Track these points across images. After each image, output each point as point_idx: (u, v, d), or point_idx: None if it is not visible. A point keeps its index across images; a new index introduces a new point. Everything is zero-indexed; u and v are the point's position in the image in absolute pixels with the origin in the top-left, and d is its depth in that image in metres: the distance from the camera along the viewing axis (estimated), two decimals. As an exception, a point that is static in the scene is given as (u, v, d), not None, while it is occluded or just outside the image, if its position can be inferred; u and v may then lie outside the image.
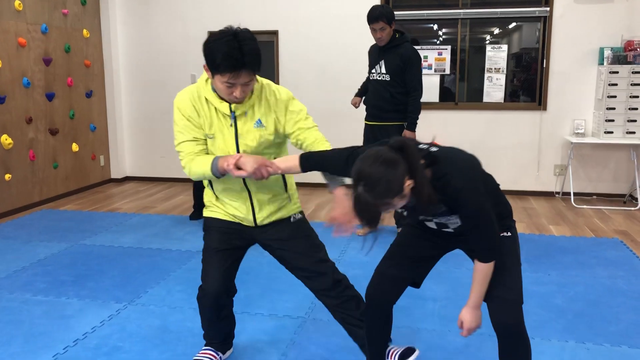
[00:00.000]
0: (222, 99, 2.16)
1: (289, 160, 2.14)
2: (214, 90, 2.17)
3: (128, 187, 6.84)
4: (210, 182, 2.37)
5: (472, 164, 1.90)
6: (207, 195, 2.45)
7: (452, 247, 2.19)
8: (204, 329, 2.56)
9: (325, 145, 2.26)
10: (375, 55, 4.50)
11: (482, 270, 1.92)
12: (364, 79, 4.81)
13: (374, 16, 4.25)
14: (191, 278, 3.71)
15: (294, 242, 2.40)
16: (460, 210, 1.85)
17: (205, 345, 2.60)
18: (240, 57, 1.98)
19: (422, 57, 4.46)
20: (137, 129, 7.17)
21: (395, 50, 4.36)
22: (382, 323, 2.28)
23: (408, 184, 1.68)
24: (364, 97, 4.75)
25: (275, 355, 2.71)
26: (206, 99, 2.19)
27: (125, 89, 7.11)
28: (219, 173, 2.17)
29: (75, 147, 6.37)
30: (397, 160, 1.67)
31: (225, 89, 2.06)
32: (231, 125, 2.19)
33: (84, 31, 6.48)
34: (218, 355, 2.59)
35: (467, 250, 2.15)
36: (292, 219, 2.44)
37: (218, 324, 2.53)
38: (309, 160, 2.11)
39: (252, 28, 5.73)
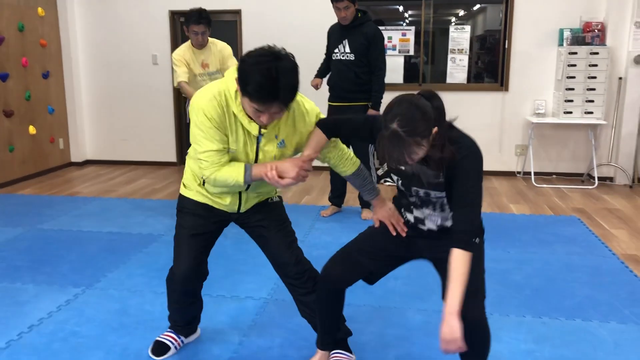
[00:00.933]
0: (250, 117, 2.01)
1: (315, 140, 2.14)
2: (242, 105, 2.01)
3: (88, 171, 6.69)
4: (204, 181, 2.22)
5: (480, 150, 1.95)
6: (189, 178, 2.31)
7: (419, 254, 2.15)
8: (170, 310, 2.52)
9: (350, 159, 2.33)
10: (338, 34, 4.46)
11: (460, 261, 1.78)
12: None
13: None
14: (151, 261, 3.66)
15: (269, 221, 2.35)
16: (458, 177, 1.84)
17: (169, 328, 2.57)
18: (274, 91, 1.84)
19: (385, 37, 4.45)
20: (97, 111, 7.00)
21: (359, 29, 4.34)
22: (335, 300, 2.28)
23: (435, 130, 1.77)
24: (324, 78, 4.71)
25: (236, 336, 2.69)
26: (234, 114, 2.03)
27: (84, 70, 6.91)
28: (251, 182, 2.11)
29: (32, 129, 6.18)
30: (429, 107, 1.79)
31: (253, 112, 1.93)
32: (254, 143, 2.10)
33: (39, 9, 6.25)
34: (179, 338, 2.56)
35: (433, 258, 2.11)
36: (269, 200, 2.39)
37: (185, 308, 2.50)
38: (329, 127, 2.15)
39: (214, 7, 5.63)
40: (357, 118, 2.24)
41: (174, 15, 6.63)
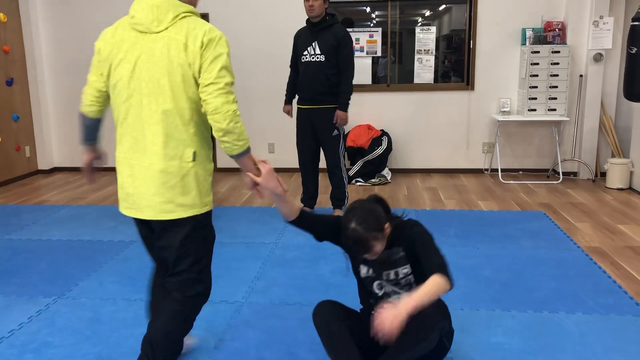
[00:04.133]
0: None
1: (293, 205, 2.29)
2: None
3: (56, 179, 6.58)
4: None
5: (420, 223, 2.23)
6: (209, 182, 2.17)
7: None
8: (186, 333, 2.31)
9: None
10: (307, 37, 4.48)
11: (435, 280, 1.94)
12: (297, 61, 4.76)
13: None
14: (124, 269, 3.63)
15: None
16: (414, 244, 2.11)
17: None
18: None
19: (353, 39, 4.50)
20: (64, 118, 6.89)
21: (328, 31, 4.38)
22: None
23: (387, 225, 2.10)
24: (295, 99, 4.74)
25: (211, 340, 2.70)
26: None
27: (49, 76, 6.80)
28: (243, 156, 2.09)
29: (-4, 138, 6.06)
30: (379, 208, 2.14)
31: None
32: None
33: (1, 15, 6.13)
34: None
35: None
36: None
37: None
38: (306, 217, 2.31)
39: None
40: (328, 217, 2.36)
41: (141, 19, 6.56)
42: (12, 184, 6.31)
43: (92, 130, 2.23)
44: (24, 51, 6.57)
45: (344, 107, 4.42)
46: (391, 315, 1.83)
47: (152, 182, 2.04)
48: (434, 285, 1.93)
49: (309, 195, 4.78)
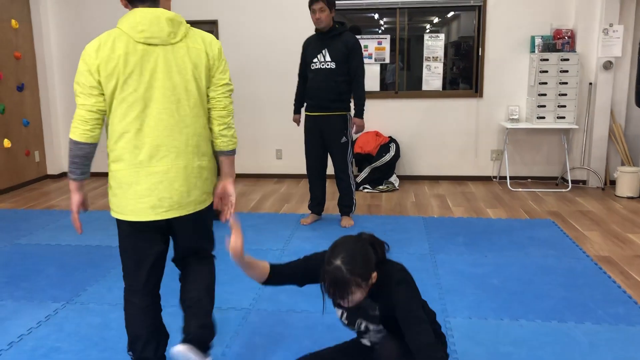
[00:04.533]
0: None
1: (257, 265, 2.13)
2: None
3: (65, 183, 6.62)
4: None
5: (407, 273, 2.02)
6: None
7: None
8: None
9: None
10: (316, 45, 4.48)
11: None
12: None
13: None
14: (132, 274, 3.64)
15: None
16: (395, 308, 1.90)
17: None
18: None
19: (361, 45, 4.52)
20: (73, 123, 6.93)
21: (338, 39, 4.39)
22: None
23: (374, 275, 1.88)
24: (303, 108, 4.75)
25: (219, 347, 2.70)
26: None
27: (59, 81, 6.86)
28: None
29: (7, 143, 6.10)
30: (371, 252, 1.92)
31: None
32: None
33: (13, 21, 6.20)
34: None
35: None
36: None
37: None
38: (278, 271, 2.12)
39: (191, 18, 5.63)
40: (297, 262, 2.15)
41: (150, 26, 6.61)
42: (21, 188, 6.35)
43: (89, 159, 2.14)
44: (35, 57, 6.63)
45: (361, 114, 4.44)
46: None
47: (193, 179, 2.19)
48: None
49: (317, 201, 4.78)
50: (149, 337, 2.30)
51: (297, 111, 4.77)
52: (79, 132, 2.05)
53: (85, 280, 3.55)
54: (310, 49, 4.53)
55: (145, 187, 2.12)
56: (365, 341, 2.17)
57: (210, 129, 2.25)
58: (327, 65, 4.41)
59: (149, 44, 2.07)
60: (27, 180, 6.50)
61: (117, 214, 2.22)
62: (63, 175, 7.00)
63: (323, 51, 4.42)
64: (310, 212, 4.85)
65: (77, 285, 3.48)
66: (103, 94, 2.06)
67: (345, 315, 2.09)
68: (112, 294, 3.34)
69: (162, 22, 2.08)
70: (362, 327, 2.06)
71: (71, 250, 4.15)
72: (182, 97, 2.11)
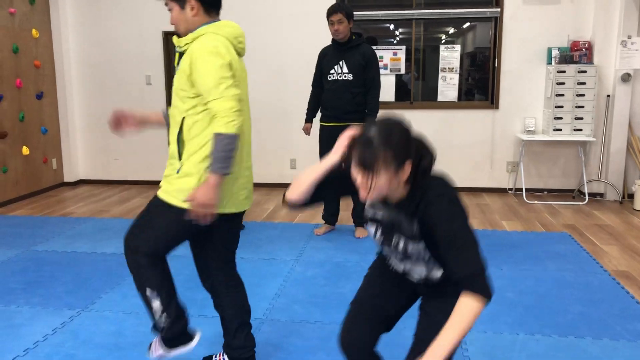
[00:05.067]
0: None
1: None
2: None
3: (82, 191, 6.69)
4: None
5: (451, 189, 1.70)
6: None
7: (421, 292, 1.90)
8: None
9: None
10: (333, 55, 4.48)
11: (463, 306, 1.53)
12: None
13: (334, 8, 4.32)
14: (147, 282, 3.66)
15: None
16: (434, 229, 1.62)
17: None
18: None
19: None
20: (90, 131, 7.02)
21: (356, 50, 4.40)
22: None
23: (408, 164, 1.60)
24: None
25: (232, 357, 2.70)
26: None
27: (77, 90, 6.95)
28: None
29: (25, 150, 6.19)
30: (413, 138, 1.64)
31: None
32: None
33: (33, 31, 6.30)
34: None
35: (421, 307, 1.88)
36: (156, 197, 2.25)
37: None
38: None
39: None
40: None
41: (168, 35, 6.69)
42: (38, 195, 6.42)
43: None
44: (54, 66, 6.72)
45: None
46: None
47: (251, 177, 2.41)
48: (465, 317, 1.51)
49: (331, 212, 4.77)
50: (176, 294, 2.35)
51: (308, 120, 4.76)
52: (238, 124, 2.03)
53: (100, 288, 3.57)
54: (327, 59, 4.54)
55: (243, 181, 2.30)
56: (398, 266, 1.86)
57: None
58: (345, 76, 4.41)
59: (239, 55, 2.26)
60: (44, 188, 6.57)
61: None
62: (79, 182, 7.07)
63: (340, 62, 4.43)
64: (324, 222, 4.84)
65: (92, 292, 3.50)
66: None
67: (379, 233, 1.81)
68: (126, 301, 3.36)
69: (244, 36, 2.30)
70: (400, 245, 1.76)
71: (86, 257, 4.18)
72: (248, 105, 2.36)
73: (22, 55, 6.14)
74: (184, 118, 2.17)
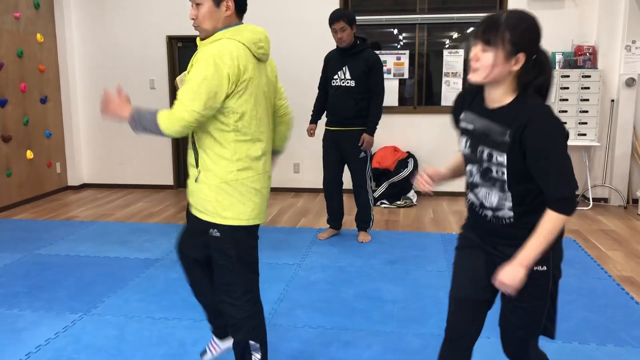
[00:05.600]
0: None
1: None
2: None
3: (85, 195, 6.70)
4: None
5: (557, 120, 1.68)
6: None
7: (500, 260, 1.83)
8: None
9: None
10: (337, 61, 4.48)
11: (549, 220, 1.65)
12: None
13: (335, 16, 4.29)
14: (149, 286, 3.66)
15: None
16: (528, 147, 1.64)
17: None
18: None
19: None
20: (94, 135, 7.03)
21: (359, 56, 4.38)
22: None
23: (522, 56, 1.65)
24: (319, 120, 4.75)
25: (234, 362, 2.69)
26: None
27: (81, 94, 6.97)
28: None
29: (29, 154, 6.21)
30: (539, 36, 1.70)
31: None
32: None
33: (38, 35, 6.32)
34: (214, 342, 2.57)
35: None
36: (209, 230, 2.19)
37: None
38: None
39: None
40: None
41: (172, 40, 6.70)
42: (42, 199, 6.44)
43: None
44: (59, 70, 6.75)
45: (371, 132, 4.41)
46: (508, 280, 1.68)
47: None
48: (549, 229, 1.64)
49: (334, 216, 4.77)
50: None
51: (313, 121, 4.74)
52: (173, 132, 2.05)
53: (103, 292, 3.57)
54: (331, 64, 4.54)
55: (267, 191, 2.27)
56: (474, 198, 1.89)
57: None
58: (347, 83, 4.41)
59: (258, 60, 2.16)
60: (48, 192, 6.59)
61: (234, 221, 2.15)
62: (83, 186, 7.08)
63: (344, 68, 4.42)
64: (328, 227, 4.83)
65: (95, 296, 3.50)
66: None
67: (469, 144, 1.85)
68: (128, 305, 3.35)
69: (267, 40, 2.21)
70: (485, 155, 1.76)
71: (90, 261, 4.19)
72: (269, 113, 2.29)
73: (26, 59, 6.16)
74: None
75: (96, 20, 6.79)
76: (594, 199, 5.97)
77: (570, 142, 5.83)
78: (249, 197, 2.15)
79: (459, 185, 6.48)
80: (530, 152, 1.64)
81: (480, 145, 1.78)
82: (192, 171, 2.19)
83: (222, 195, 2.10)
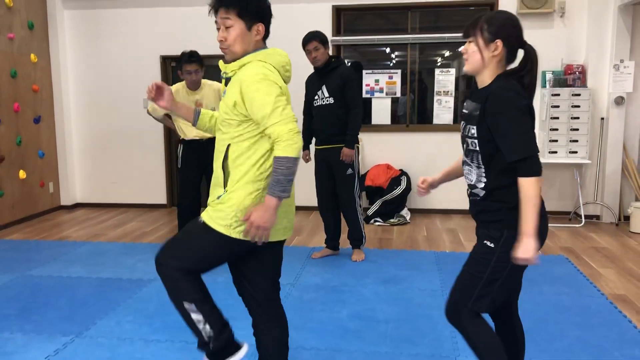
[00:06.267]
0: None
1: None
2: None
3: (78, 214, 6.68)
4: None
5: (513, 95, 1.95)
6: None
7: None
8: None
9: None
10: (316, 82, 4.55)
11: (522, 187, 1.88)
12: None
13: (307, 38, 4.40)
14: (142, 308, 3.63)
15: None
16: (487, 117, 1.94)
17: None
18: None
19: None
20: (87, 155, 7.03)
21: (334, 72, 4.45)
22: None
23: (499, 42, 1.99)
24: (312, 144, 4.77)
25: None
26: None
27: (75, 114, 6.98)
28: None
29: (22, 174, 6.19)
30: (519, 28, 2.05)
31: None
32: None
33: (32, 56, 6.35)
34: None
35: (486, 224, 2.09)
36: (199, 219, 2.20)
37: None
38: None
39: (204, 52, 5.67)
40: None
41: (165, 60, 6.74)
42: (35, 219, 6.41)
43: None
44: (52, 90, 6.76)
45: (350, 144, 4.43)
46: (522, 253, 1.88)
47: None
48: (527, 194, 1.86)
49: (330, 235, 4.77)
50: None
51: (305, 147, 4.78)
52: (298, 146, 2.00)
53: (95, 314, 3.54)
54: (311, 86, 4.61)
55: (291, 209, 2.26)
56: (466, 174, 2.16)
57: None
58: (326, 100, 4.46)
59: (286, 83, 2.22)
60: (40, 211, 6.56)
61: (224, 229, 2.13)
62: (76, 206, 7.06)
63: (322, 87, 4.48)
64: (325, 246, 4.82)
65: (87, 318, 3.47)
66: None
67: (462, 124, 2.14)
68: (121, 327, 3.33)
69: (291, 65, 2.26)
70: (467, 131, 2.07)
71: (82, 282, 4.16)
72: None
73: (20, 79, 6.18)
74: (229, 145, 2.13)
75: (90, 40, 6.83)
76: (586, 216, 6.00)
77: (561, 160, 5.92)
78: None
79: (451, 202, 6.52)
80: (488, 120, 1.93)
81: (465, 124, 2.08)
82: (217, 190, 2.19)
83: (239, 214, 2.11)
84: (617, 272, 4.32)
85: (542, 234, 1.99)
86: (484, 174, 2.04)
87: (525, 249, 1.88)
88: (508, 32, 1.99)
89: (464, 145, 2.12)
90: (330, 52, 5.90)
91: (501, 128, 1.90)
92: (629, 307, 3.61)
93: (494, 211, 2.01)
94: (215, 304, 2.28)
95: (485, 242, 2.03)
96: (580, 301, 3.70)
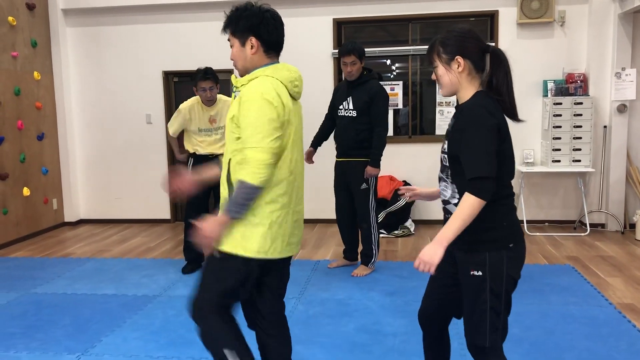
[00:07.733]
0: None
1: None
2: None
3: (82, 231, 6.67)
4: None
5: (484, 113, 1.95)
6: None
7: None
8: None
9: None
10: (344, 91, 4.53)
11: (463, 201, 1.88)
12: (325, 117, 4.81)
13: (347, 49, 4.33)
14: (147, 324, 3.62)
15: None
16: (456, 133, 1.95)
17: None
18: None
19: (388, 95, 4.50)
20: (91, 171, 7.04)
21: (363, 87, 4.42)
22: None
23: (460, 59, 1.99)
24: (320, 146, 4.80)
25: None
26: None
27: (78, 131, 7.00)
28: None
29: (26, 191, 6.19)
30: (477, 42, 2.04)
31: None
32: None
33: (35, 73, 6.38)
34: None
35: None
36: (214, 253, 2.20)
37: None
38: None
39: (219, 67, 5.64)
40: None
41: (168, 75, 6.77)
42: (39, 236, 6.40)
43: None
44: (55, 107, 6.79)
45: (375, 163, 4.40)
46: (427, 257, 1.88)
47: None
48: (463, 209, 1.86)
49: (347, 246, 4.78)
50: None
51: (312, 145, 4.76)
52: (264, 177, 2.04)
53: (101, 331, 3.53)
54: (338, 94, 4.60)
55: (290, 227, 2.25)
56: (441, 190, 2.15)
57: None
58: (350, 113, 4.44)
59: (294, 99, 2.24)
60: (44, 228, 6.56)
61: (259, 254, 2.17)
62: (80, 222, 7.06)
63: (348, 99, 4.46)
64: (343, 256, 4.83)
65: (92, 335, 3.46)
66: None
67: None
68: (127, 344, 3.31)
69: (302, 80, 2.29)
70: (442, 146, 2.09)
71: (87, 299, 4.15)
72: (302, 150, 2.33)
73: (23, 97, 6.20)
74: (230, 159, 2.16)
75: (93, 57, 6.86)
76: (591, 225, 5.98)
77: (565, 169, 5.91)
78: (265, 230, 2.17)
79: (456, 213, 6.48)
80: (456, 135, 1.95)
81: (444, 139, 2.10)
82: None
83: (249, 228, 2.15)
84: (625, 281, 4.29)
85: (519, 259, 2.03)
86: (457, 191, 2.03)
87: (432, 253, 1.87)
88: (463, 45, 2.00)
89: (441, 161, 2.14)
90: (334, 67, 5.96)
91: (464, 144, 1.91)
92: (638, 316, 3.58)
93: (468, 230, 1.91)
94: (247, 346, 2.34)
95: (472, 273, 1.99)
96: (589, 311, 3.68)
